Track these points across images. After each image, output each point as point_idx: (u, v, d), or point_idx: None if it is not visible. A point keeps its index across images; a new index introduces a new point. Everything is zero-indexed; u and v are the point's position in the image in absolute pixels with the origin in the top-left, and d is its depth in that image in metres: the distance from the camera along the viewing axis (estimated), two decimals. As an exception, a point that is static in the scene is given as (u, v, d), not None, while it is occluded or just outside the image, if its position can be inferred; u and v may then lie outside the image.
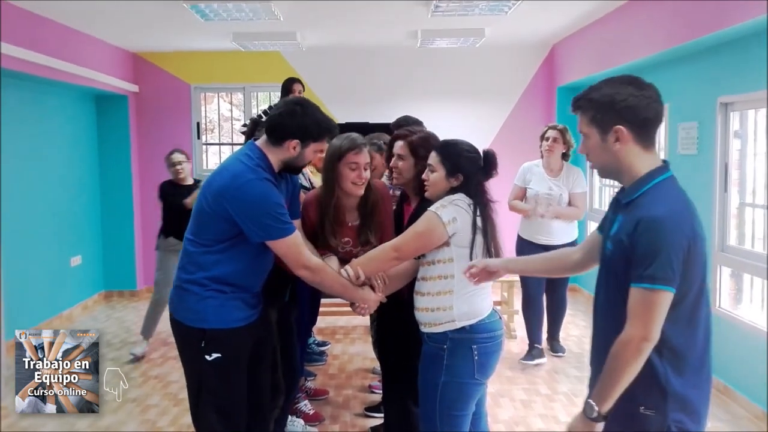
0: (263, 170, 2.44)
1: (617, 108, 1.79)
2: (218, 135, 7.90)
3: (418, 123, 4.04)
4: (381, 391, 4.08)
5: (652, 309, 1.71)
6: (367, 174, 2.84)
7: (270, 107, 5.12)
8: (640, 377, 1.75)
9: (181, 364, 2.65)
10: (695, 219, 1.78)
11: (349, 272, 2.59)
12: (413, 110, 4.55)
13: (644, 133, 1.82)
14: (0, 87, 4.44)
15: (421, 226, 2.48)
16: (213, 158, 7.76)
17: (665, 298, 1.71)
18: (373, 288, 2.64)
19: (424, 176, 2.62)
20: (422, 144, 2.85)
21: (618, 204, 1.90)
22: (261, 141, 2.52)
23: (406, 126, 3.33)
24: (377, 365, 4.43)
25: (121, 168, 7.23)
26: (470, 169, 2.54)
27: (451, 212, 2.45)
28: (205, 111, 7.71)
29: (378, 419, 3.86)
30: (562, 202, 4.81)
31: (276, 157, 2.50)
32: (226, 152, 7.71)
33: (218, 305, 2.47)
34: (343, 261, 3.02)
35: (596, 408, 1.77)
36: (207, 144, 7.70)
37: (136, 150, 7.39)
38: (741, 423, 3.93)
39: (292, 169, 2.60)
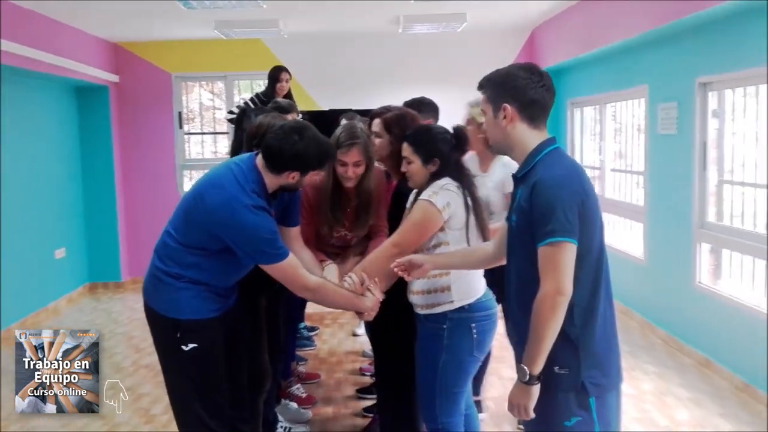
0: (257, 196, 2.40)
1: (506, 87, 1.94)
2: (200, 124, 7.87)
3: (433, 105, 3.96)
4: (371, 374, 4.14)
5: (558, 261, 1.80)
6: (358, 170, 2.81)
7: (258, 96, 5.14)
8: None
9: None
10: (585, 179, 1.92)
11: (354, 279, 2.56)
12: (396, 96, 4.56)
13: (530, 113, 1.94)
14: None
15: (418, 217, 2.50)
16: (195, 147, 7.73)
17: (568, 249, 1.80)
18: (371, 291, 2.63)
19: (402, 168, 2.65)
20: (397, 122, 2.91)
21: (516, 180, 2.02)
22: (260, 161, 2.45)
23: (418, 107, 3.38)
24: (367, 348, 4.47)
25: (103, 159, 7.17)
26: (445, 151, 2.57)
27: (444, 197, 2.48)
28: (187, 100, 7.67)
29: (371, 400, 3.92)
30: (490, 207, 3.33)
31: (272, 181, 2.46)
32: (208, 141, 7.70)
33: (192, 296, 2.48)
34: (338, 248, 3.07)
35: (527, 370, 1.86)
36: (189, 134, 7.67)
37: (118, 141, 7.33)
38: (723, 394, 4.04)
39: (289, 190, 2.56)
